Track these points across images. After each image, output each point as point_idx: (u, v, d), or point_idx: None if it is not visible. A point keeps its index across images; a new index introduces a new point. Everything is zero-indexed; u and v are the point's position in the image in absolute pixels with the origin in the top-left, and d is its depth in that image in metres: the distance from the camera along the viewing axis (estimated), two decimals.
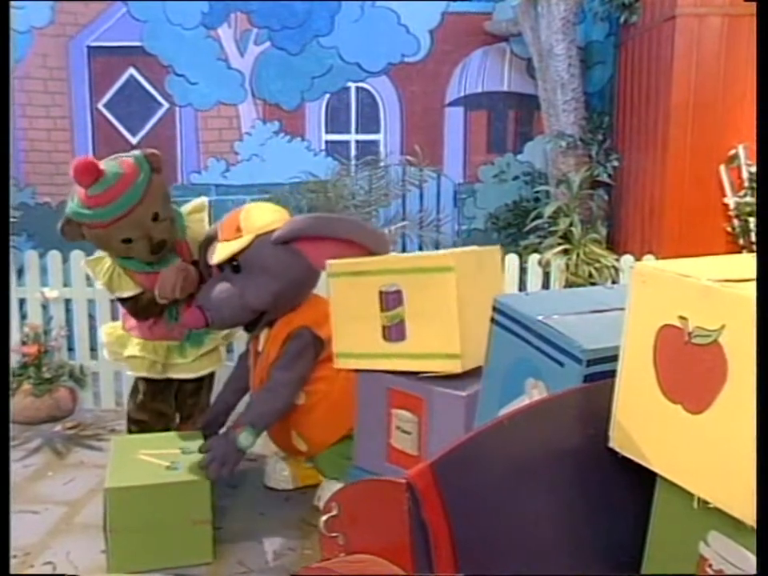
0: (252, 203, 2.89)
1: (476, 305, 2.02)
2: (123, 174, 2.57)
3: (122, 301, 2.89)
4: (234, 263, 2.59)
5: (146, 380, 2.98)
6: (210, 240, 2.73)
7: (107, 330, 3.09)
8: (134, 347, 2.92)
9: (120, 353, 2.98)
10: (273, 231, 2.57)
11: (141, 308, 2.85)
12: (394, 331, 2.29)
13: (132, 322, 2.95)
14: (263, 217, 2.64)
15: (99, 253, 2.86)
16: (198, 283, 2.81)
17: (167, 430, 3.05)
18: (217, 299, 2.58)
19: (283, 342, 2.62)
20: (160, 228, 2.69)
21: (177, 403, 3.12)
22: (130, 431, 3.06)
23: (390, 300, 2.27)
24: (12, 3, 4.46)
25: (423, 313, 2.21)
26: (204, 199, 3.05)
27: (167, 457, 2.51)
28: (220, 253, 2.60)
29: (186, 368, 2.97)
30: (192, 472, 2.40)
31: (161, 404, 3.04)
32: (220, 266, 2.65)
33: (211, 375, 3.16)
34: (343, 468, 2.56)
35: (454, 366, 2.18)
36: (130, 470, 2.44)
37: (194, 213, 2.99)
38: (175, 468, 2.44)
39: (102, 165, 2.57)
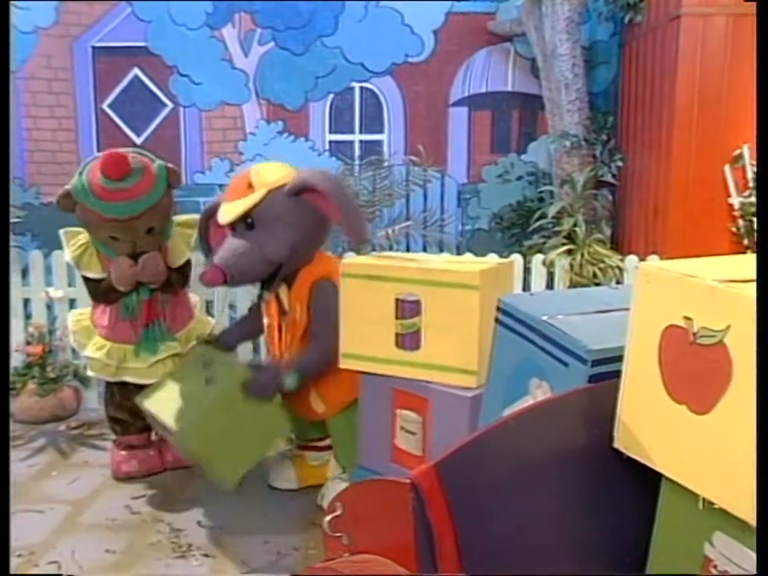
0: (259, 163, 2.91)
1: (490, 319, 2.04)
2: (140, 183, 2.68)
3: (85, 280, 2.94)
4: (248, 220, 2.59)
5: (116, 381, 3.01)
6: (212, 211, 2.76)
7: (75, 318, 3.10)
8: (92, 347, 2.95)
9: (84, 344, 3.00)
10: (284, 186, 2.59)
11: (100, 291, 2.90)
12: (408, 340, 2.29)
13: (99, 318, 2.98)
14: (274, 173, 2.66)
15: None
16: (168, 278, 2.90)
17: (148, 428, 3.08)
18: (235, 254, 2.58)
19: (308, 295, 2.64)
20: (149, 240, 2.82)
21: None
22: (114, 431, 3.11)
23: (408, 309, 2.27)
24: (16, 3, 4.48)
25: (442, 325, 2.21)
26: (198, 218, 3.05)
27: (195, 377, 2.59)
28: (233, 210, 2.60)
29: (140, 373, 2.96)
30: (231, 372, 2.52)
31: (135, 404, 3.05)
32: (232, 227, 2.65)
33: None
34: (352, 434, 2.55)
35: (469, 381, 2.18)
36: (182, 405, 2.52)
37: (185, 226, 3.02)
38: (212, 380, 2.54)
39: (131, 162, 2.66)
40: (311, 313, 2.63)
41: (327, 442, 2.92)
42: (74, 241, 2.91)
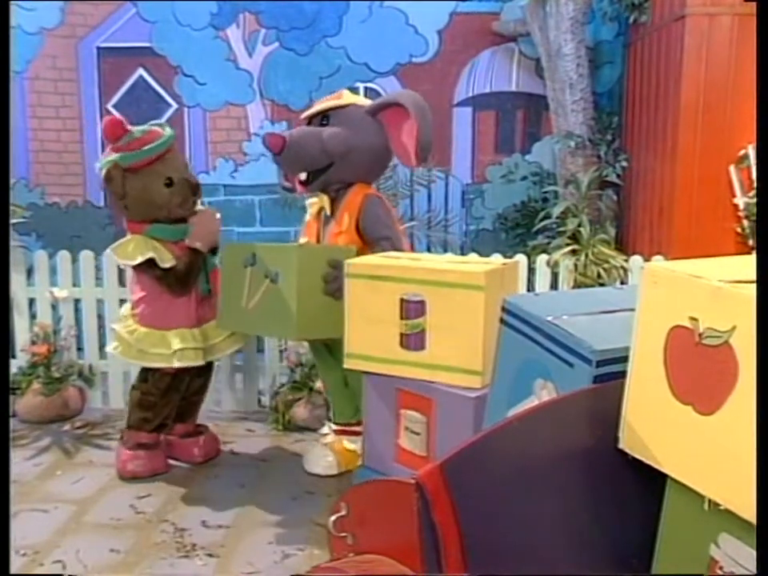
0: None
1: (495, 320, 2.05)
2: (151, 129, 2.88)
3: (164, 275, 2.89)
4: (324, 120, 2.87)
5: (162, 371, 2.96)
6: None
7: (130, 328, 2.97)
8: (176, 340, 2.90)
9: (151, 352, 2.91)
10: (365, 107, 2.90)
11: (180, 277, 2.89)
12: (413, 340, 2.29)
13: (171, 317, 2.92)
14: (364, 99, 3.05)
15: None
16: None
17: (160, 427, 3.08)
18: (299, 131, 2.88)
19: (359, 207, 2.78)
20: (192, 174, 2.99)
21: (182, 402, 3.13)
22: (130, 423, 3.05)
23: (412, 309, 2.27)
24: (21, 4, 4.49)
25: (447, 326, 2.21)
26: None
27: (257, 281, 2.65)
28: (317, 106, 2.92)
29: (220, 347, 3.04)
30: (289, 262, 2.58)
31: (175, 393, 3.05)
32: (309, 123, 2.95)
33: (210, 375, 3.23)
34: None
35: (474, 382, 2.18)
36: (275, 311, 2.60)
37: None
38: (275, 274, 2.58)
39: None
40: (365, 223, 2.77)
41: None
42: (135, 245, 2.87)
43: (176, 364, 2.90)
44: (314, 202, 2.98)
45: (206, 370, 3.14)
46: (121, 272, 3.76)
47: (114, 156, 2.81)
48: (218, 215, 3.08)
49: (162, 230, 2.91)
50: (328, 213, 2.88)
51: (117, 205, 2.95)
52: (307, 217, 3.04)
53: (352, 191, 2.83)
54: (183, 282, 2.92)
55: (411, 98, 2.79)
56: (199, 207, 3.08)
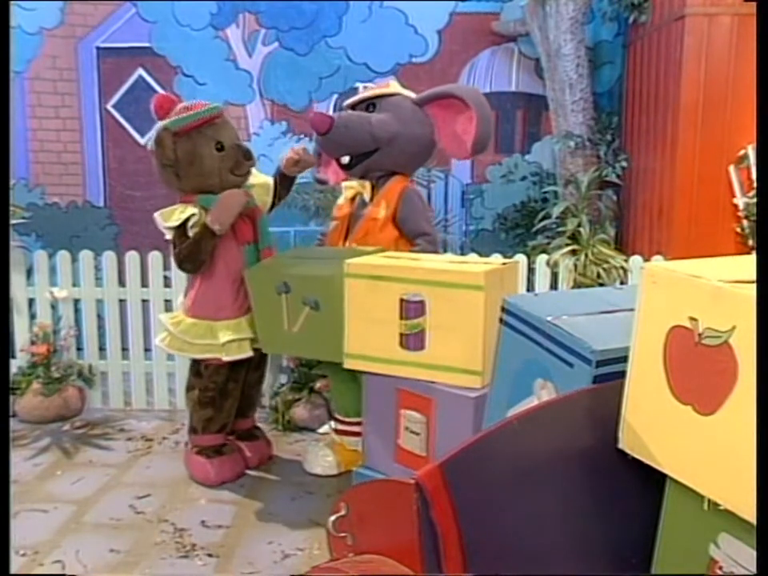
0: None
1: (495, 320, 2.05)
2: (198, 101, 2.86)
3: (200, 241, 2.78)
4: (371, 107, 2.87)
5: (216, 364, 2.88)
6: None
7: (175, 319, 2.91)
8: (224, 332, 2.82)
9: (198, 343, 2.84)
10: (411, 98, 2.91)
11: (188, 248, 2.79)
12: (413, 340, 2.29)
13: (218, 307, 2.84)
14: (409, 92, 3.00)
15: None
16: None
17: (227, 423, 3.01)
18: (348, 114, 2.88)
19: (397, 198, 2.79)
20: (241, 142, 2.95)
21: (240, 396, 3.04)
22: (206, 422, 2.95)
23: (412, 309, 2.27)
24: (20, 4, 4.49)
25: (447, 326, 2.21)
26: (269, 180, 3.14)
27: (295, 307, 2.60)
28: (366, 92, 2.91)
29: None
30: (328, 291, 2.51)
31: (233, 385, 2.97)
32: (353, 109, 2.94)
33: (266, 366, 3.17)
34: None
35: (474, 382, 2.18)
36: (321, 335, 2.55)
37: (260, 186, 3.08)
38: (315, 302, 2.54)
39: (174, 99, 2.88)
40: (404, 216, 2.79)
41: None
42: (174, 211, 2.81)
43: (225, 357, 2.83)
44: (350, 186, 2.98)
45: (261, 362, 3.08)
46: (121, 272, 3.76)
47: (164, 122, 2.77)
48: (244, 195, 2.86)
49: (213, 200, 2.78)
50: (367, 199, 2.89)
51: (168, 177, 2.84)
52: (340, 200, 3.03)
53: (392, 181, 2.84)
54: (187, 255, 2.79)
55: (469, 90, 2.80)
56: (257, 174, 3.05)
